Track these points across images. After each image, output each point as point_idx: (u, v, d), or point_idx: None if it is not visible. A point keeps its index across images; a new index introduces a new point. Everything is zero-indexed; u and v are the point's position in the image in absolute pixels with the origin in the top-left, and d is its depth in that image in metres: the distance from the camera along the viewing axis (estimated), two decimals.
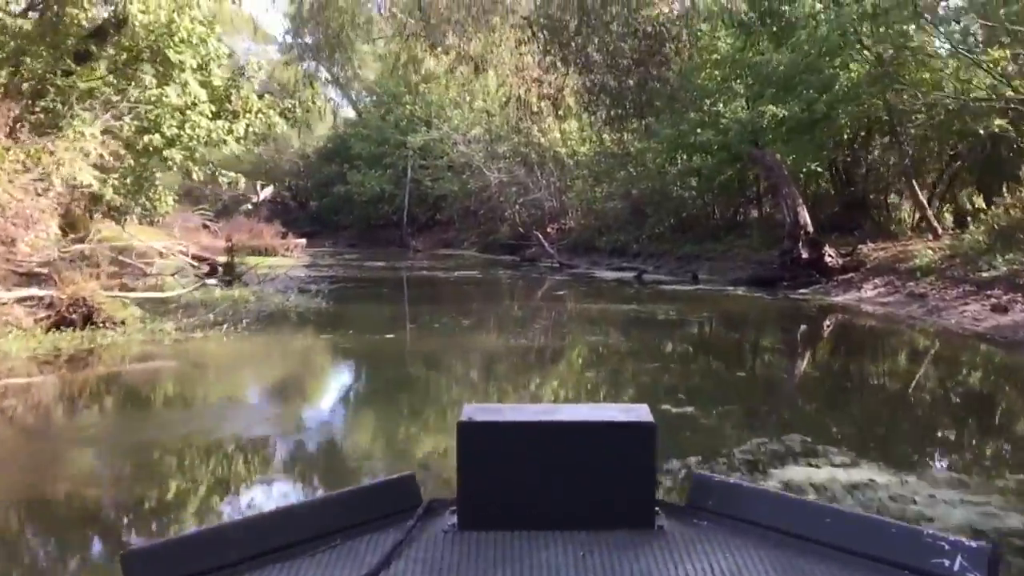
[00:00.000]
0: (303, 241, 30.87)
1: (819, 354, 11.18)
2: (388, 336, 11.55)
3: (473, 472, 1.53)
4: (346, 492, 1.63)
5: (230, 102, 14.46)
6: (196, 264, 20.08)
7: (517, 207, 33.18)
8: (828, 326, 13.59)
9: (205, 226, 30.01)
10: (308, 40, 47.51)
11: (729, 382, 8.69)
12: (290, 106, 16.82)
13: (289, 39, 39.16)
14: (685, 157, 24.84)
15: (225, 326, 10.37)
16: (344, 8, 28.51)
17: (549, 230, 30.65)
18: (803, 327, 13.51)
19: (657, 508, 1.55)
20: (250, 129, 14.75)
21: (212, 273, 20.06)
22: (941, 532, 1.36)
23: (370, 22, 34.51)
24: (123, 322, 9.42)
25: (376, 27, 29.77)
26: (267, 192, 47.12)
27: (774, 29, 18.41)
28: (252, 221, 31.48)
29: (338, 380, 9.43)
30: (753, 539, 1.46)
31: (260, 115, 14.76)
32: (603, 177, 28.99)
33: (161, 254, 21.90)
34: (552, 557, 1.40)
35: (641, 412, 1.59)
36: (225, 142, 14.03)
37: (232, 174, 15.97)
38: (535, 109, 23.04)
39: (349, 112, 50.37)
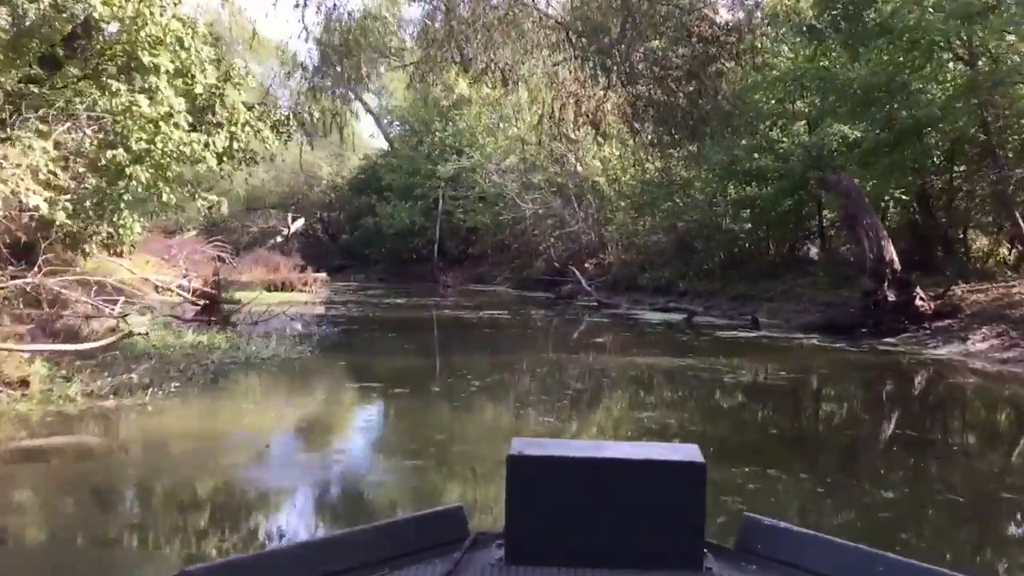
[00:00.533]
0: (323, 275, 28.75)
1: (968, 443, 8.21)
2: (363, 408, 9.13)
3: (521, 506, 1.52)
4: (394, 522, 1.65)
5: (213, 113, 12.34)
6: (196, 301, 18.02)
7: (553, 240, 30.85)
8: (947, 393, 10.82)
9: (220, 259, 28.10)
10: (338, 68, 46.27)
11: (874, 505, 5.56)
12: (283, 118, 14.69)
13: (316, 63, 37.84)
14: (738, 186, 22.31)
15: (151, 389, 7.96)
16: (374, 35, 26.97)
17: (587, 265, 28.21)
18: (918, 394, 10.73)
19: (705, 550, 1.52)
20: (236, 144, 12.58)
21: (210, 311, 17.99)
22: None
23: (402, 50, 32.98)
24: (23, 382, 7.14)
25: (408, 54, 28.08)
26: (298, 225, 45.23)
27: (849, 35, 15.88)
28: (274, 254, 29.47)
29: (243, 500, 5.74)
30: None
31: (248, 127, 12.59)
32: (646, 208, 26.53)
33: (157, 288, 19.91)
34: None
35: (691, 451, 1.57)
36: (203, 159, 11.84)
37: (213, 197, 13.74)
38: (572, 131, 20.80)
39: (381, 143, 48.75)
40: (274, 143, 14.14)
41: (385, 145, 47.16)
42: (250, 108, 13.14)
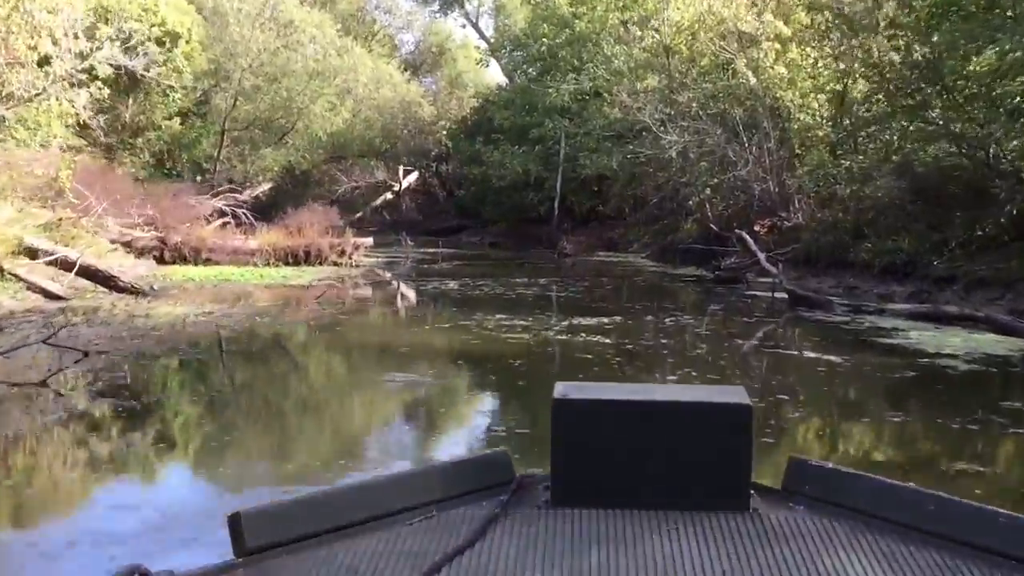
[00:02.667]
0: (368, 241, 20.82)
1: None
2: None
3: (567, 449, 1.54)
4: (441, 465, 1.72)
5: None
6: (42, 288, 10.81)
7: (708, 192, 21.68)
8: None
9: (236, 218, 20.98)
10: None
11: None
12: None
13: None
14: None
15: None
16: None
17: (760, 228, 19.01)
18: None
19: (752, 491, 1.53)
20: None
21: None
22: None
23: None
24: None
25: None
26: (412, 179, 38.02)
27: None
28: (322, 211, 22.11)
29: None
30: (851, 525, 1.42)
31: None
32: (863, 139, 16.94)
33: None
34: (644, 536, 1.39)
35: (738, 393, 1.58)
36: None
37: None
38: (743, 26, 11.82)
39: (498, 75, 40.53)
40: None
41: (504, 80, 38.90)
42: None
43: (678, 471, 1.51)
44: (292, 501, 1.50)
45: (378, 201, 37.10)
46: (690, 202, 22.00)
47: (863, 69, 16.09)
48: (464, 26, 43.17)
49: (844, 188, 17.52)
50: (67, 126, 19.18)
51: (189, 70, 27.01)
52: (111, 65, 18.47)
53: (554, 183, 30.56)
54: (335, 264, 17.61)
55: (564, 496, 1.51)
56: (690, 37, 19.59)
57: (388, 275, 18.88)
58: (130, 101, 26.60)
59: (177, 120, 27.29)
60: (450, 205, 37.18)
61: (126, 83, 24.53)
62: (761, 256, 16.23)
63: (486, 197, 33.87)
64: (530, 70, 34.03)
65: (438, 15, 42.62)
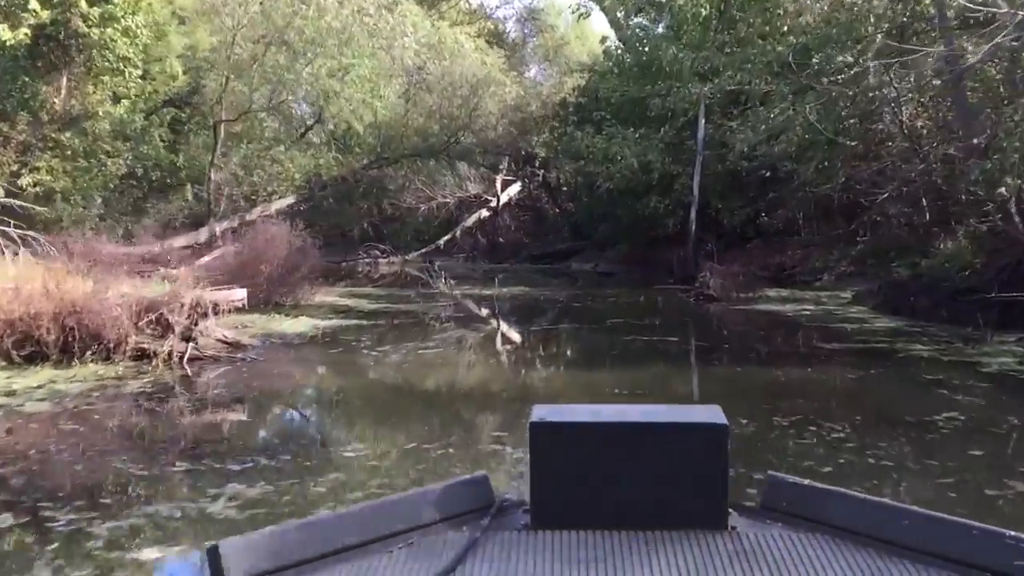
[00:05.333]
0: (241, 295, 10.43)
1: None
2: None
3: (545, 472, 1.56)
4: (421, 491, 1.65)
5: None
6: None
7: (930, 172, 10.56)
8: None
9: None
10: None
11: None
12: None
13: None
14: None
15: None
16: None
17: None
18: None
19: (730, 509, 1.55)
20: None
21: None
22: None
23: None
24: None
25: None
26: (513, 191, 29.12)
27: None
28: (264, 236, 12.73)
29: None
30: (829, 541, 1.44)
31: None
32: None
33: None
34: (624, 557, 1.40)
35: (713, 413, 1.58)
36: None
37: None
38: None
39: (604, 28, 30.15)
40: None
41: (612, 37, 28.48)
42: None
43: (656, 491, 1.53)
44: (271, 532, 1.47)
45: (470, 220, 28.20)
46: (976, 194, 10.81)
47: None
48: None
49: None
50: None
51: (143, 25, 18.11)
52: None
53: (689, 182, 19.97)
54: (148, 358, 7.59)
55: (543, 519, 1.53)
56: None
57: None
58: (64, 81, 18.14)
59: (127, 105, 18.42)
60: (563, 223, 28.56)
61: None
62: None
63: (603, 211, 23.87)
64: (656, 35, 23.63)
65: None
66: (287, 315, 11.80)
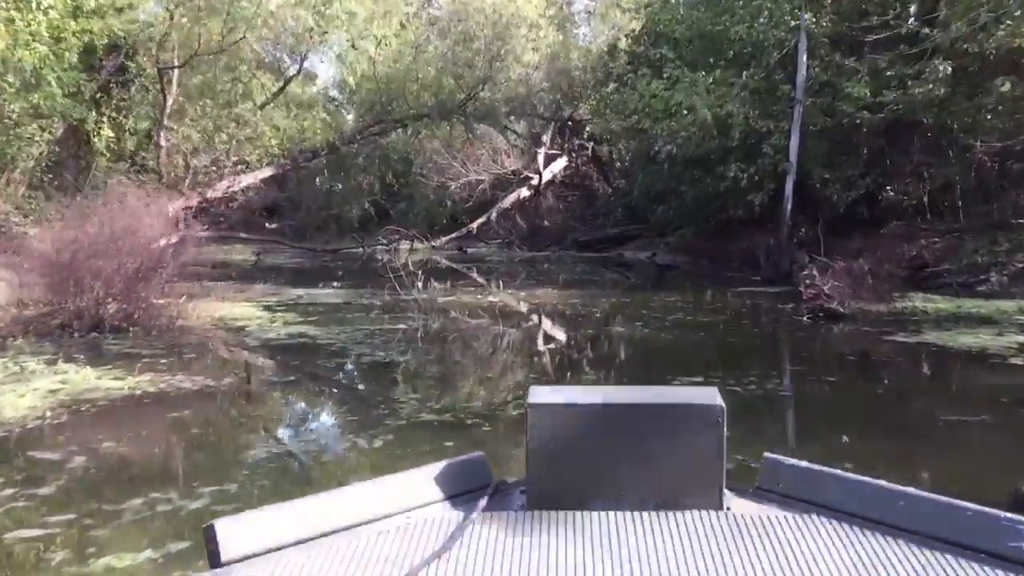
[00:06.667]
0: None
1: None
2: None
3: (542, 453, 1.55)
4: (419, 470, 1.62)
5: None
6: None
7: None
8: None
9: None
10: None
11: None
12: None
13: None
14: None
15: None
16: None
17: None
18: None
19: (727, 490, 1.55)
20: None
21: None
22: (1020, 516, 1.31)
23: None
24: None
25: None
26: (557, 167, 24.71)
27: None
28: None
29: None
30: (824, 522, 1.45)
31: None
32: None
33: None
34: (621, 537, 1.41)
35: (710, 394, 1.58)
36: None
37: None
38: None
39: None
40: None
41: None
42: None
43: (652, 471, 1.53)
44: (268, 510, 1.45)
45: (507, 202, 24.10)
46: None
47: None
48: None
49: None
50: None
51: None
52: None
53: (783, 142, 14.38)
54: None
55: (540, 499, 1.53)
56: None
57: None
58: None
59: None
60: (615, 204, 23.99)
61: None
62: None
63: (652, 185, 18.87)
64: None
65: None
66: (97, 361, 6.80)
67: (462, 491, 1.57)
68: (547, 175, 24.21)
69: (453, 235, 22.29)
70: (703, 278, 16.15)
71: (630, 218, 22.20)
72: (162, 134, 16.73)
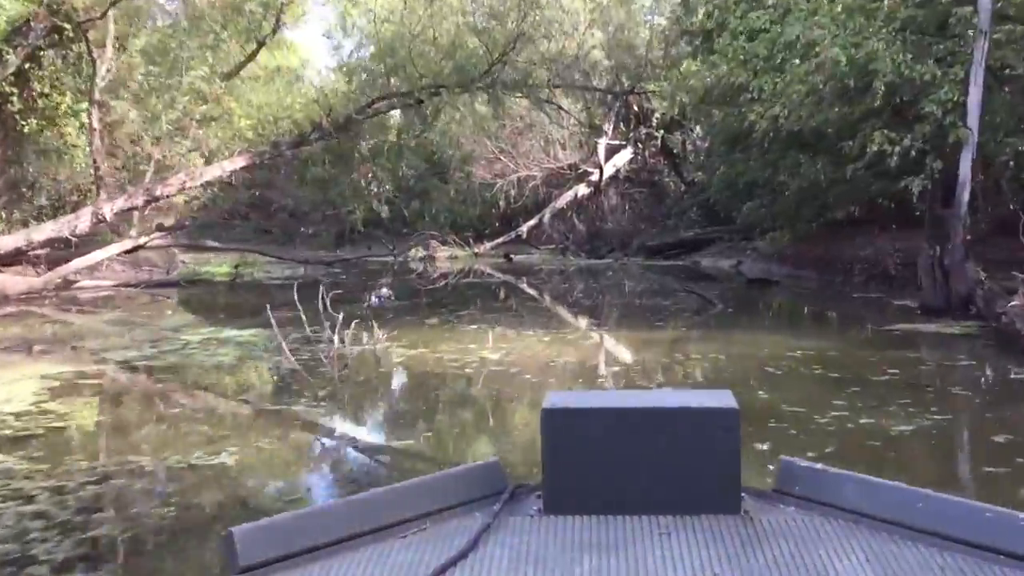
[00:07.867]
0: None
1: None
2: None
3: (558, 458, 1.54)
4: (434, 477, 1.64)
5: None
6: None
7: None
8: None
9: None
10: None
11: None
12: None
13: None
14: None
15: None
16: None
17: None
18: None
19: (743, 493, 1.54)
20: None
21: None
22: None
23: None
24: None
25: None
26: (621, 160, 22.13)
27: None
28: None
29: None
30: (842, 525, 1.44)
31: None
32: None
33: None
34: (637, 541, 1.40)
35: (724, 397, 1.57)
36: None
37: None
38: None
39: None
40: None
41: None
42: None
43: (668, 476, 1.52)
44: (286, 517, 1.47)
45: (562, 201, 21.93)
46: None
47: None
48: None
49: None
50: None
51: None
52: None
53: (957, 98, 9.35)
54: None
55: (556, 504, 1.52)
56: None
57: None
58: None
59: None
60: (691, 202, 21.62)
61: None
62: None
63: (738, 177, 14.48)
64: None
65: None
66: None
67: (478, 496, 1.56)
68: (609, 169, 21.89)
69: (499, 240, 20.82)
70: (821, 301, 11.95)
71: (707, 219, 19.85)
72: (93, 112, 12.63)
